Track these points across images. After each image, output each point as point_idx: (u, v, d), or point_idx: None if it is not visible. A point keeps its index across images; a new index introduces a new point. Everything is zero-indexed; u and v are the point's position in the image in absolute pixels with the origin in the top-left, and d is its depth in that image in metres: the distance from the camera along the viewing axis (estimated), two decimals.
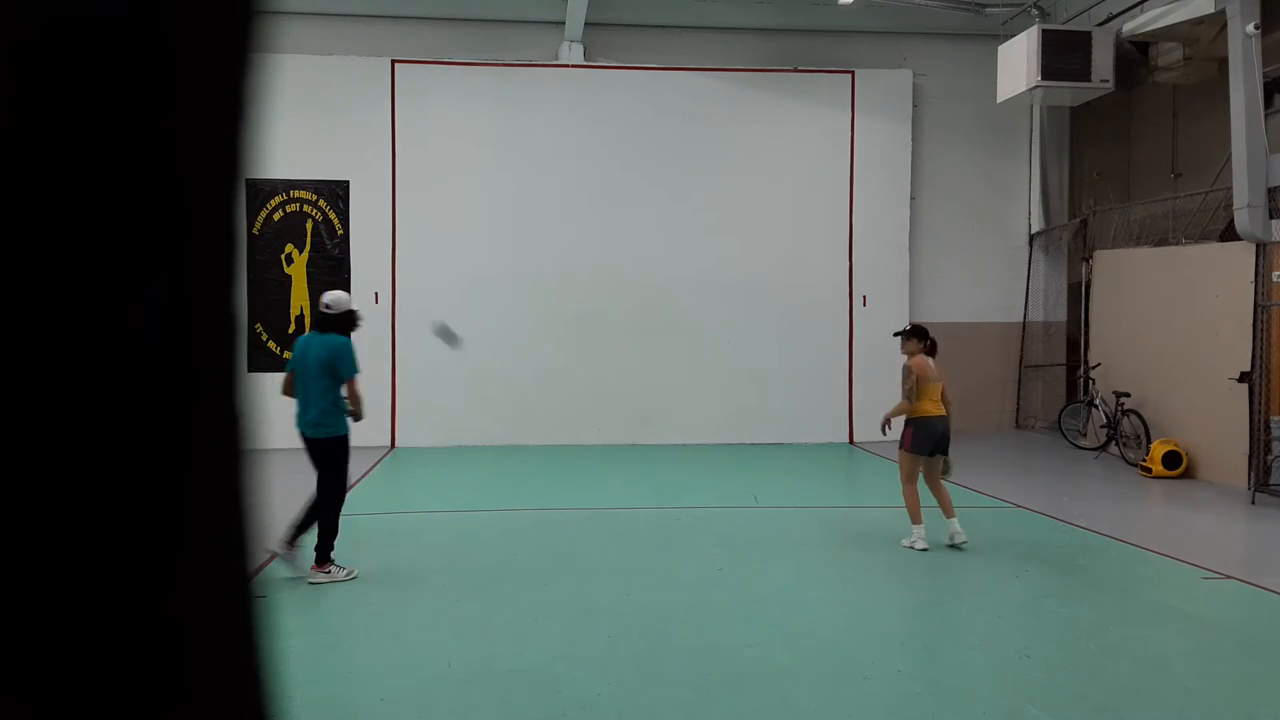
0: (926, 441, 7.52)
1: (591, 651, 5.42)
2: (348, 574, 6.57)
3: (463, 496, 10.05)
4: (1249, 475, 10.32)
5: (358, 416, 6.44)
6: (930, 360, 7.64)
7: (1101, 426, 12.89)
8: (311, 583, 6.43)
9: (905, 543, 7.60)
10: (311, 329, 6.56)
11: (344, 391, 6.31)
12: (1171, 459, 11.30)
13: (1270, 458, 10.19)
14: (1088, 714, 4.54)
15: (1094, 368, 13.26)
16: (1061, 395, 15.11)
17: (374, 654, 5.34)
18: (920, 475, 7.63)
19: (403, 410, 13.96)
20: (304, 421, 6.38)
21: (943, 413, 7.60)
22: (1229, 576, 7.08)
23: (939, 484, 7.64)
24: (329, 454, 6.39)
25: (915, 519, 7.57)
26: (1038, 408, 15.29)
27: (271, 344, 13.69)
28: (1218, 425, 10.96)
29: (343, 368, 6.27)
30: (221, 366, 0.63)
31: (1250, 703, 4.75)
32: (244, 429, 0.65)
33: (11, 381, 0.54)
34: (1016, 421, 15.41)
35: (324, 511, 6.43)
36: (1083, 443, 13.28)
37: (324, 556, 6.47)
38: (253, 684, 0.66)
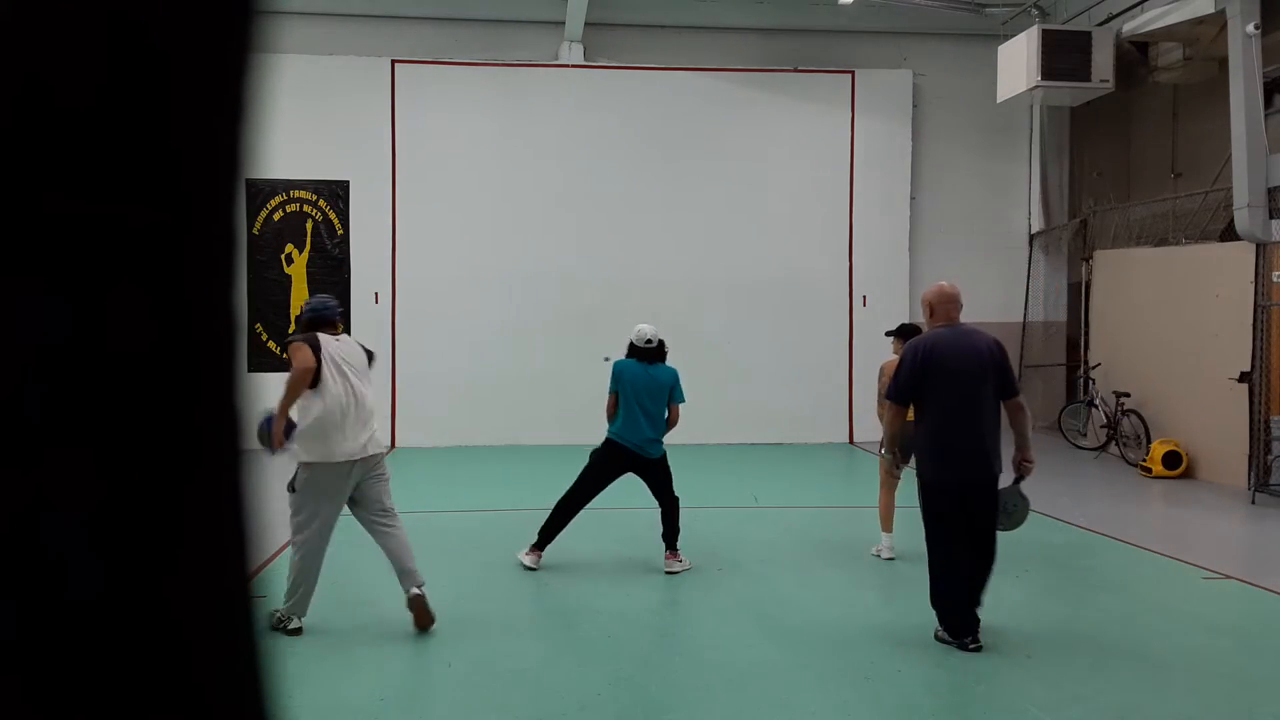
0: (909, 448, 7.32)
1: (591, 651, 5.42)
2: (689, 564, 7.17)
3: (462, 497, 10.05)
4: (1249, 475, 10.32)
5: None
6: None
7: (1101, 426, 12.89)
8: (669, 571, 6.99)
9: (874, 550, 7.38)
10: (630, 357, 7.20)
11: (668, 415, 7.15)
12: (1171, 459, 11.30)
13: (1270, 458, 10.19)
14: (1088, 714, 4.54)
15: (1094, 368, 13.26)
16: (1061, 395, 15.11)
17: (374, 654, 5.34)
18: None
19: (403, 410, 13.96)
20: (639, 440, 7.01)
21: None
22: (1229, 576, 7.08)
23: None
24: (665, 468, 7.13)
25: (885, 526, 7.29)
26: (1038, 408, 15.26)
27: (271, 344, 13.69)
28: (1218, 425, 10.96)
29: (677, 394, 7.15)
30: (221, 366, 0.63)
31: (1250, 703, 4.75)
32: (244, 429, 0.65)
33: (11, 381, 0.54)
34: None
35: (673, 512, 7.13)
36: (1083, 443, 13.27)
37: (675, 544, 7.14)
38: (253, 684, 0.66)
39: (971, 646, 5.32)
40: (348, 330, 14.01)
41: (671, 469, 7.23)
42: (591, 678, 4.96)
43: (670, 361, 7.44)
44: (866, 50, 14.80)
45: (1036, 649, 5.46)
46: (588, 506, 7.16)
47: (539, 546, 7.06)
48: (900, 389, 5.47)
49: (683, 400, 7.19)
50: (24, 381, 0.54)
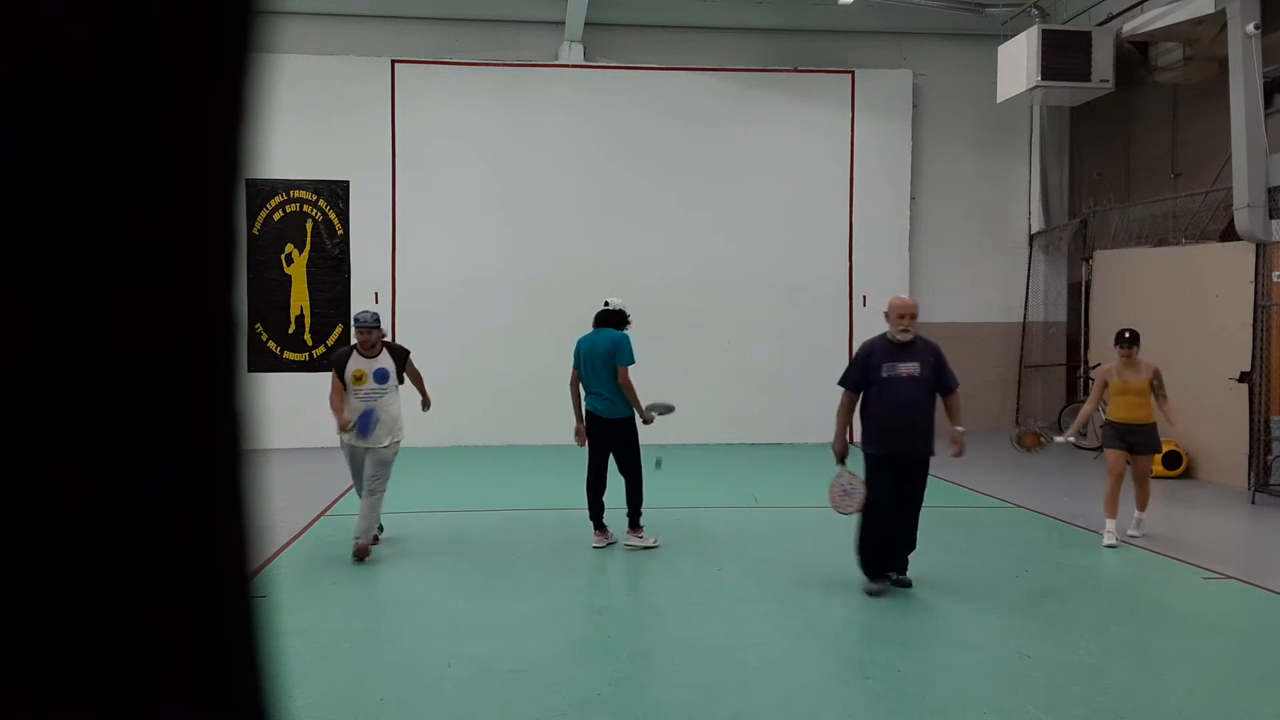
0: (1111, 439, 8.38)
1: (592, 651, 5.42)
2: (654, 541, 7.47)
3: (462, 496, 10.05)
4: (1249, 475, 10.32)
5: (634, 403, 7.38)
6: (1118, 363, 8.35)
7: (1101, 426, 12.87)
8: (627, 545, 7.41)
9: (1104, 543, 8.00)
10: (594, 326, 7.54)
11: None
12: (1171, 459, 11.30)
13: (1270, 458, 10.19)
14: (1088, 714, 4.54)
15: (1094, 368, 13.25)
16: (1061, 395, 15.11)
17: (374, 654, 5.34)
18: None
19: (402, 410, 13.93)
20: (592, 404, 7.43)
21: (1129, 415, 8.29)
22: (1229, 576, 7.08)
23: (1136, 478, 8.35)
24: (620, 433, 7.34)
25: (1109, 512, 8.12)
26: (1038, 408, 15.29)
27: (271, 344, 13.68)
28: (1218, 425, 10.96)
29: (620, 357, 7.28)
30: (221, 367, 0.63)
31: (1250, 703, 4.75)
32: (244, 429, 0.65)
33: (10, 383, 0.54)
34: (1016, 421, 15.40)
35: (631, 485, 7.41)
36: (1083, 443, 13.26)
37: (636, 522, 7.47)
38: (253, 684, 0.66)
39: (893, 580, 6.50)
40: (346, 332, 14.09)
41: (636, 441, 7.46)
42: (591, 678, 4.96)
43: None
44: (866, 50, 14.80)
45: (1036, 649, 5.46)
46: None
47: (599, 528, 7.49)
48: (843, 379, 6.67)
49: (627, 363, 7.32)
50: (22, 383, 0.54)
